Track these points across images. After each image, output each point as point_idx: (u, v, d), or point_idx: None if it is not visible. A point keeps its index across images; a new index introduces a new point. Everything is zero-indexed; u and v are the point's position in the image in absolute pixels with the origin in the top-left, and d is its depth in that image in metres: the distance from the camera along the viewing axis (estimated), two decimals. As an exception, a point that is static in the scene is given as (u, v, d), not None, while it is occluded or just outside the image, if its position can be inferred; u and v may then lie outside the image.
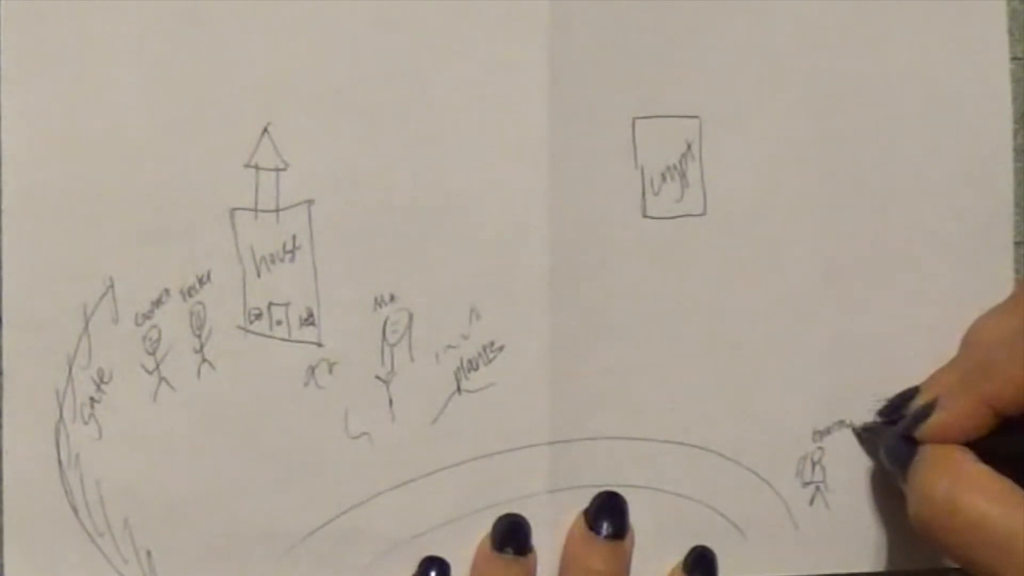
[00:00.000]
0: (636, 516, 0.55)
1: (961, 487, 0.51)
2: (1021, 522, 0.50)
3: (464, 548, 0.55)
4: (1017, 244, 0.59)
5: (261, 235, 0.54)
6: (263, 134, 0.53)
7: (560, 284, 0.55)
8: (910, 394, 0.56)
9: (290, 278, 0.54)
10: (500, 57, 0.55)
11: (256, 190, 0.54)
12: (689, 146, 0.56)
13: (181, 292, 0.53)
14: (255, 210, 0.54)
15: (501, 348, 0.55)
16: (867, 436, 0.57)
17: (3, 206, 0.52)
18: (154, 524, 0.53)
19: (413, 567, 0.54)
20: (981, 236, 0.59)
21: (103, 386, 0.53)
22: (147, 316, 0.53)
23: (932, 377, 0.56)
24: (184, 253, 0.53)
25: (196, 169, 0.53)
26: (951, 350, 0.58)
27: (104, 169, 0.53)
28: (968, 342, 0.56)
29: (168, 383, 0.53)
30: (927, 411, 0.54)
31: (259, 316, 0.54)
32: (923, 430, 0.54)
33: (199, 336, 0.53)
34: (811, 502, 0.57)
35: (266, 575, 0.54)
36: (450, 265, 0.54)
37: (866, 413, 0.57)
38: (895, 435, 0.55)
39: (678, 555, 0.56)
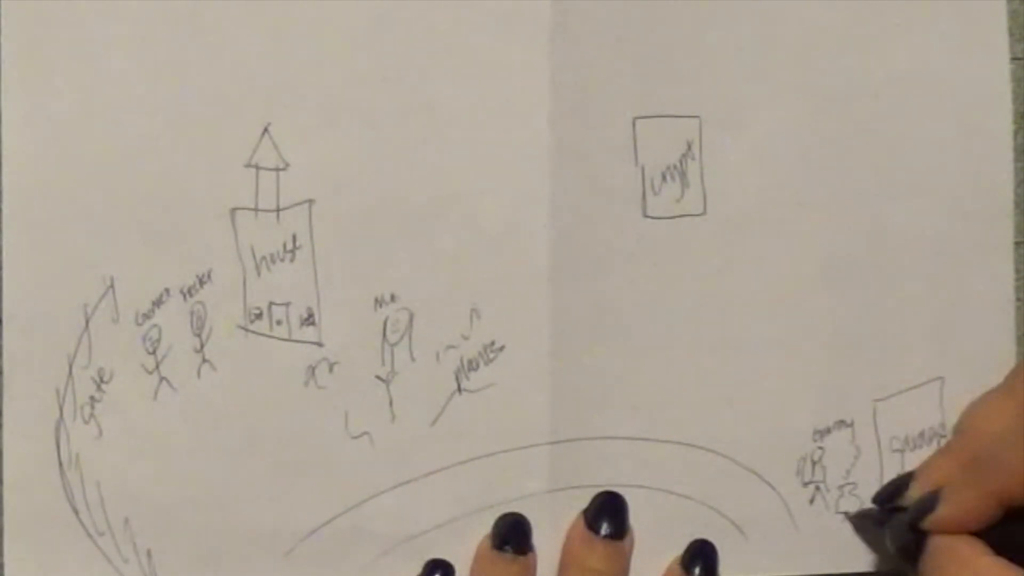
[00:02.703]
0: (636, 516, 0.55)
1: None
2: None
3: (464, 548, 0.55)
4: (1017, 244, 0.59)
5: (261, 235, 0.54)
6: (263, 134, 0.53)
7: (560, 284, 0.55)
8: (904, 481, 0.55)
9: (290, 278, 0.54)
10: (501, 57, 0.55)
11: (256, 190, 0.54)
12: (689, 146, 0.56)
13: (181, 292, 0.53)
14: (255, 210, 0.54)
15: (501, 348, 0.55)
16: (860, 523, 0.57)
17: (3, 206, 0.52)
18: (154, 524, 0.53)
19: (413, 567, 0.54)
20: (981, 236, 0.59)
21: (103, 386, 0.53)
22: (147, 316, 0.53)
23: (928, 464, 0.55)
24: (184, 253, 0.53)
25: (196, 169, 0.53)
26: (950, 350, 0.58)
27: (104, 169, 0.53)
28: (963, 429, 0.56)
29: (168, 383, 0.53)
30: (931, 503, 0.53)
31: (259, 316, 0.54)
32: (930, 522, 0.53)
33: (199, 336, 0.53)
34: (811, 502, 0.57)
35: (266, 574, 0.54)
36: (450, 265, 0.54)
37: (866, 413, 0.57)
38: (901, 525, 0.55)
39: (678, 555, 0.56)
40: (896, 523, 0.55)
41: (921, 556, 0.53)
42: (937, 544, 0.53)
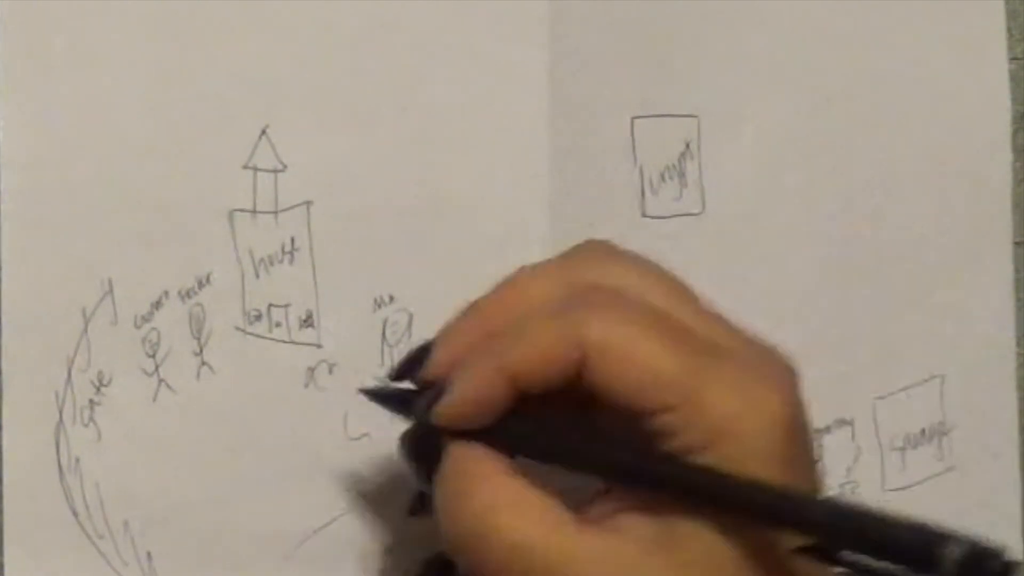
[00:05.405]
0: (637, 516, 0.55)
1: (497, 507, 0.45)
2: (561, 544, 0.44)
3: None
4: (1017, 244, 0.59)
5: (260, 237, 0.54)
6: (261, 135, 0.53)
7: (559, 284, 0.55)
8: (422, 351, 0.48)
9: (289, 279, 0.54)
10: (498, 57, 0.55)
11: (255, 192, 0.54)
12: (688, 145, 0.57)
13: (180, 294, 0.53)
14: (254, 212, 0.54)
15: (501, 348, 0.55)
16: (380, 399, 0.50)
17: (2, 208, 0.52)
18: (154, 526, 0.53)
19: (413, 568, 0.54)
20: (981, 236, 0.59)
21: (103, 389, 0.53)
22: (146, 318, 0.53)
23: (450, 329, 0.48)
24: (183, 255, 0.53)
25: (194, 171, 0.53)
26: (950, 348, 0.58)
27: (103, 171, 0.53)
28: (504, 289, 0.49)
29: (168, 385, 0.53)
30: (440, 392, 0.46)
31: (258, 318, 0.54)
32: (437, 414, 0.46)
33: (198, 338, 0.53)
34: (812, 501, 0.57)
35: (266, 577, 0.54)
36: (450, 265, 0.54)
37: (866, 411, 0.57)
38: (415, 427, 0.48)
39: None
40: (412, 424, 0.48)
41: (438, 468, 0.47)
42: (456, 462, 0.46)
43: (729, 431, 0.44)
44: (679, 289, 0.48)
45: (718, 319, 0.48)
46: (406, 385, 0.49)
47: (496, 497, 0.45)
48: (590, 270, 0.47)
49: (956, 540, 0.40)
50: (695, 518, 0.44)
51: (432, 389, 0.47)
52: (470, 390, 0.46)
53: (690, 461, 0.44)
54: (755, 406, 0.44)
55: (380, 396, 0.50)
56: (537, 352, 0.45)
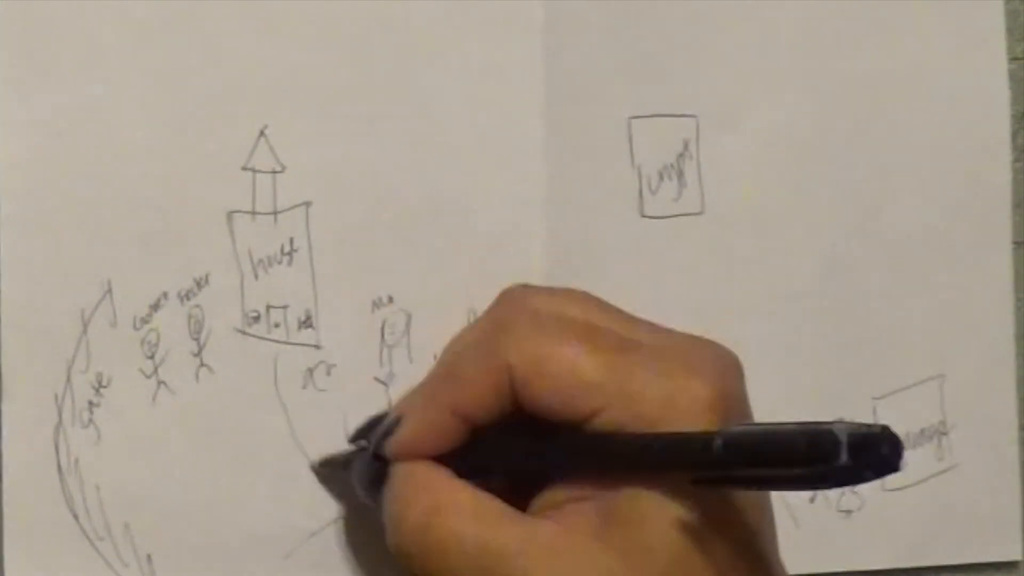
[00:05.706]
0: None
1: (437, 508, 0.48)
2: (496, 537, 0.47)
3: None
4: (1017, 244, 0.59)
5: (259, 238, 0.54)
6: (260, 136, 0.53)
7: (557, 284, 0.55)
8: (379, 418, 0.52)
9: (288, 280, 0.54)
10: (495, 58, 0.55)
11: (253, 193, 0.53)
12: (687, 145, 0.56)
13: (179, 295, 0.53)
14: (252, 213, 0.53)
15: (499, 349, 0.55)
16: (327, 472, 0.54)
17: (2, 209, 0.52)
18: (154, 528, 0.53)
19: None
20: (980, 236, 0.59)
21: (102, 390, 0.53)
22: (145, 320, 0.53)
23: (403, 398, 0.53)
24: (182, 256, 0.53)
25: (193, 172, 0.53)
26: (950, 348, 0.58)
27: (101, 173, 0.52)
28: (439, 360, 0.53)
29: (167, 386, 0.53)
30: (393, 426, 0.50)
31: (257, 319, 0.54)
32: (390, 446, 0.50)
33: (197, 339, 0.53)
34: (811, 500, 0.57)
35: (266, 578, 0.54)
36: (448, 266, 0.54)
37: (865, 411, 0.57)
38: (366, 458, 0.52)
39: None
40: (361, 457, 0.52)
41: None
42: (397, 471, 0.50)
43: (661, 417, 0.46)
44: (598, 301, 0.50)
45: (642, 321, 0.50)
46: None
47: (436, 499, 0.48)
48: (511, 304, 0.51)
49: (843, 429, 0.41)
50: (635, 507, 0.46)
51: (384, 427, 0.51)
52: (417, 426, 0.50)
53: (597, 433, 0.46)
54: (680, 390, 0.46)
55: (326, 465, 0.54)
56: (469, 388, 0.49)
